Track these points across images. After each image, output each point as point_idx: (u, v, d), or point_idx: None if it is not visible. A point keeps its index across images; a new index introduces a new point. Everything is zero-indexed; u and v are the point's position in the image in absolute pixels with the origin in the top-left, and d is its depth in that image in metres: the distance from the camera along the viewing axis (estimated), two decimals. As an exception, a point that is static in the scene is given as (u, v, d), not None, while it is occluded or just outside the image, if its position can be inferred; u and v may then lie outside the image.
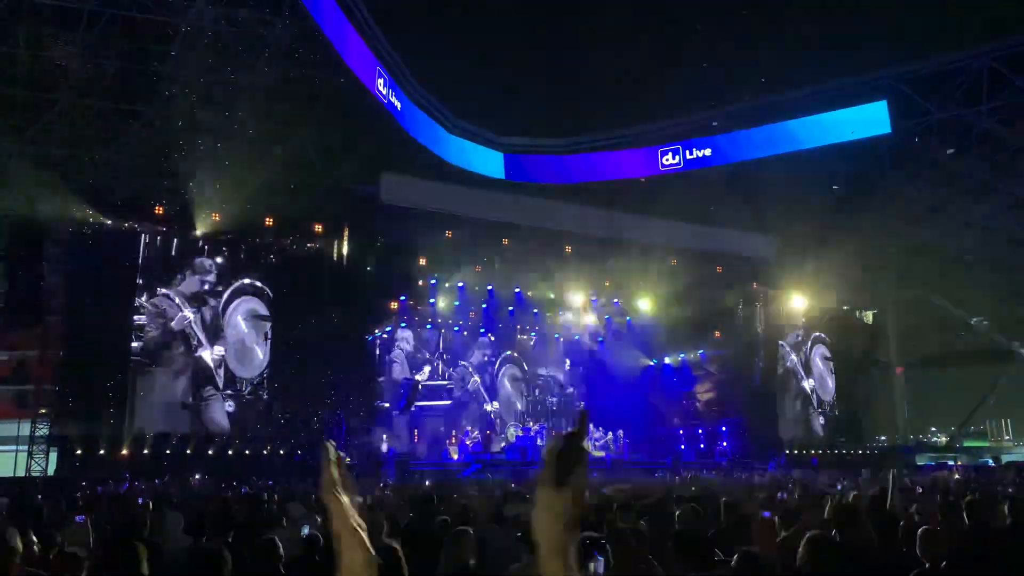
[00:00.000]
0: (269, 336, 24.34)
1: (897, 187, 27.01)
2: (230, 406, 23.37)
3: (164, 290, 22.90)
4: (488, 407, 30.84)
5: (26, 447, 20.96)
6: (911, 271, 29.73)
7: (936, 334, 39.52)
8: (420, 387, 28.50)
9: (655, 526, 6.06)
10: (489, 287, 29.43)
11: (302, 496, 10.16)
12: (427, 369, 29.27)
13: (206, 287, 23.61)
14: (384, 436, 26.71)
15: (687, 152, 26.36)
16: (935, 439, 41.49)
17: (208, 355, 23.23)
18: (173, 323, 22.82)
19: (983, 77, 21.65)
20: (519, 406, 31.82)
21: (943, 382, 38.94)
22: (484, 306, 30.25)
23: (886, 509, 6.19)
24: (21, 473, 20.55)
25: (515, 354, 32.31)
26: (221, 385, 23.34)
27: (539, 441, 28.36)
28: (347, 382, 25.18)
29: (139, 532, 5.56)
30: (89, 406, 21.26)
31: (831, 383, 34.76)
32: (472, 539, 4.40)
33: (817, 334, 34.73)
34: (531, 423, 30.12)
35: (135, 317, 22.36)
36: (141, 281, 22.79)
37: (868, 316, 35.91)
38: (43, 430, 21.12)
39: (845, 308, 34.76)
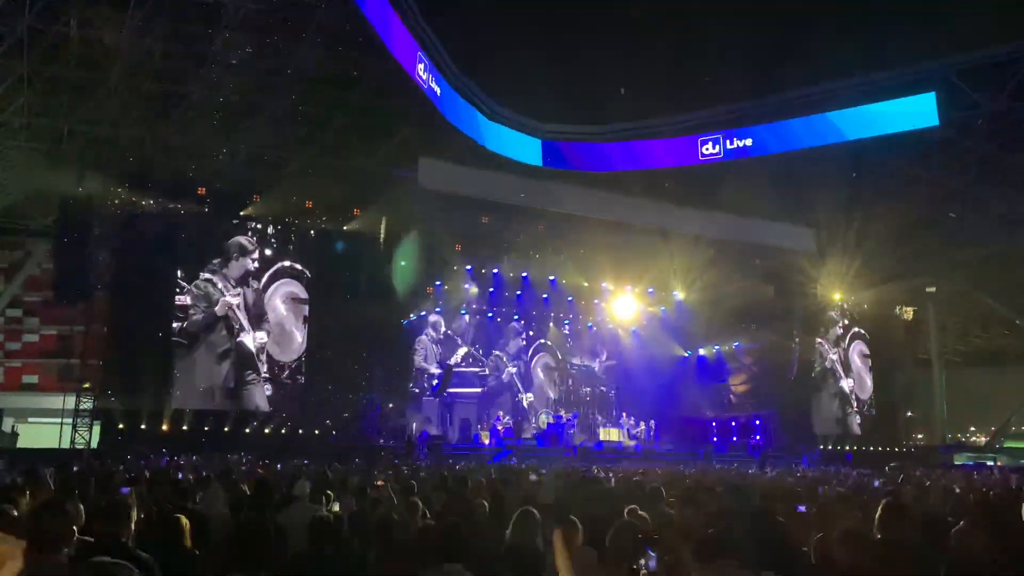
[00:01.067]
0: (307, 319, 24.67)
1: (942, 180, 26.43)
2: (268, 389, 23.77)
3: (207, 275, 23.30)
4: (521, 395, 30.95)
5: (70, 420, 21.58)
6: (954, 267, 29.09)
7: (979, 331, 38.73)
8: (453, 371, 28.71)
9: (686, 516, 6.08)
10: (524, 274, 29.45)
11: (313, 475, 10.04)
12: (461, 352, 29.45)
13: (249, 268, 23.98)
14: (417, 419, 27.00)
15: (727, 142, 25.97)
16: (974, 439, 40.74)
17: (250, 340, 23.62)
18: (216, 308, 23.23)
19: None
20: (551, 395, 31.88)
21: (984, 381, 38.16)
22: (519, 293, 30.30)
23: (927, 508, 6.13)
24: (66, 445, 21.16)
25: (548, 342, 32.34)
26: (262, 369, 23.74)
27: (571, 429, 28.45)
28: (382, 365, 25.46)
29: (184, 505, 5.71)
30: (132, 382, 21.81)
31: (869, 380, 34.25)
32: (536, 519, 4.44)
33: (856, 330, 34.22)
34: (563, 411, 30.19)
35: (178, 298, 22.82)
36: (184, 262, 23.23)
37: (909, 312, 35.26)
38: (87, 404, 21.71)
39: (885, 304, 34.15)
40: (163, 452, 19.06)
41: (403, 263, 25.73)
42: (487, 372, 30.45)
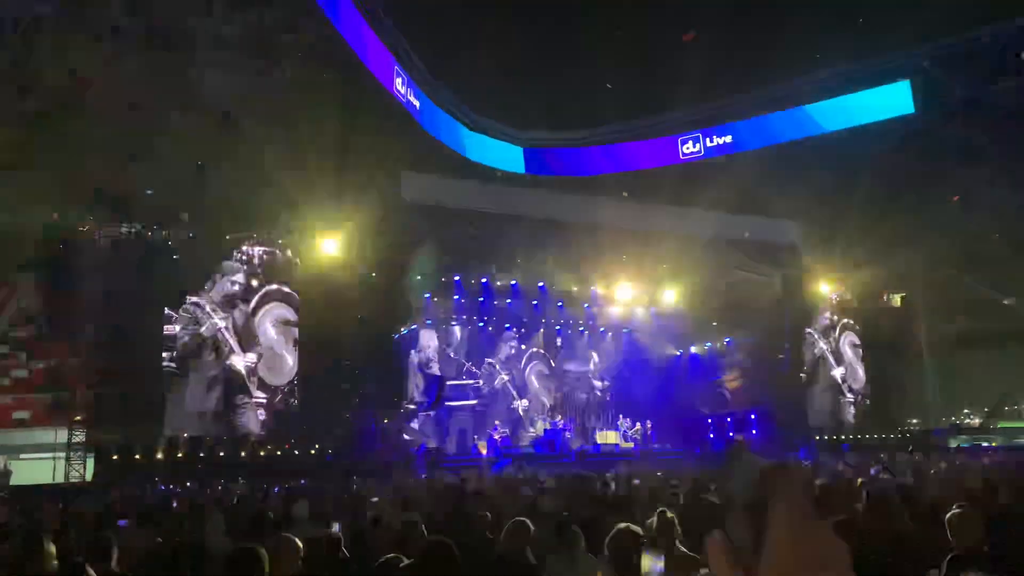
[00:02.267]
0: (298, 342, 24.58)
1: (923, 168, 26.67)
2: (262, 414, 23.65)
3: (194, 298, 23.19)
4: (516, 404, 30.92)
5: (63, 454, 21.39)
6: (940, 252, 29.32)
7: (967, 315, 39.00)
8: (447, 384, 28.66)
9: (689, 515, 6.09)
10: (513, 282, 29.47)
11: (311, 495, 10.08)
12: (449, 364, 29.42)
13: (235, 289, 23.87)
14: (413, 433, 26.93)
15: (707, 140, 26.22)
16: (967, 421, 40.99)
17: (240, 362, 23.50)
18: (203, 329, 23.10)
19: (1008, 55, 21.31)
20: (547, 401, 31.87)
21: (976, 364, 38.43)
22: (508, 301, 30.30)
23: (919, 495, 6.16)
24: (60, 479, 20.97)
25: (541, 350, 32.34)
26: (253, 392, 23.62)
27: (567, 434, 28.45)
28: (374, 381, 25.38)
29: (181, 534, 5.68)
30: (124, 412, 21.63)
31: (861, 370, 34.43)
32: (529, 530, 4.46)
33: (846, 320, 34.41)
34: (559, 417, 30.19)
35: (166, 326, 22.69)
36: (172, 289, 23.10)
37: (897, 299, 35.48)
38: (79, 437, 21.54)
39: (874, 292, 34.38)
40: (157, 481, 18.91)
41: (390, 278, 25.66)
42: (481, 383, 30.42)
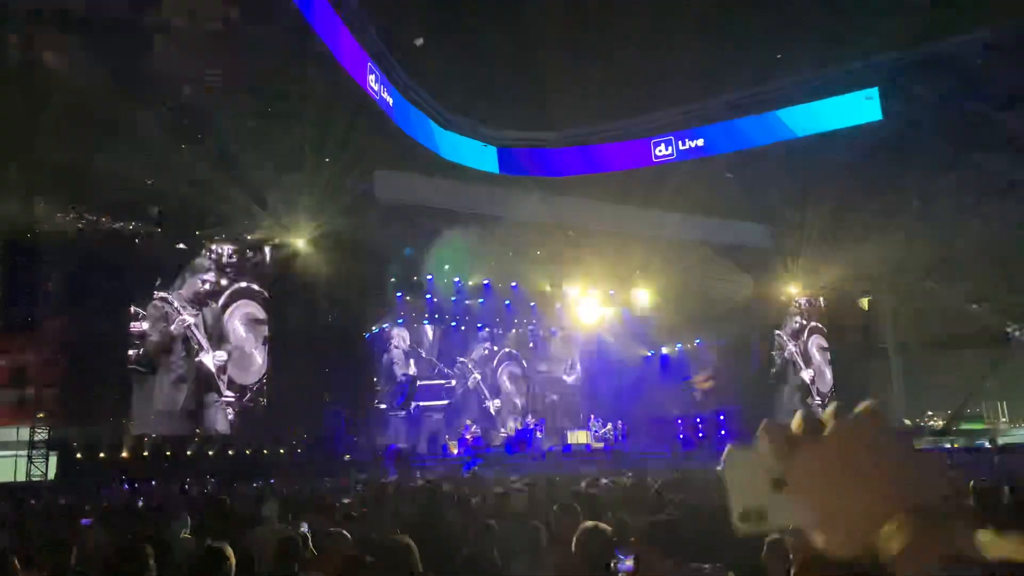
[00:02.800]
0: (267, 340, 24.34)
1: (892, 174, 27.10)
2: (230, 412, 23.40)
3: (162, 293, 22.87)
4: (488, 403, 30.92)
5: (25, 452, 20.98)
6: (908, 257, 29.81)
7: (933, 319, 39.71)
8: (417, 383, 28.56)
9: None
10: (485, 282, 29.46)
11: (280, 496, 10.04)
12: (421, 364, 29.33)
13: (205, 287, 23.59)
14: (383, 432, 26.82)
15: (680, 143, 26.41)
16: (931, 423, 41.71)
17: (210, 360, 23.23)
18: (172, 327, 22.80)
19: (976, 62, 21.73)
20: (519, 402, 31.90)
21: (940, 367, 39.12)
22: (481, 301, 30.28)
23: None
24: (22, 478, 20.57)
25: (513, 350, 32.36)
26: (223, 391, 23.36)
27: (538, 434, 28.51)
28: (345, 380, 25.23)
29: (146, 534, 5.59)
30: (88, 410, 21.28)
31: (828, 372, 34.92)
32: (496, 534, 4.47)
33: (814, 324, 34.88)
34: (530, 417, 30.23)
35: (133, 322, 22.35)
36: (139, 284, 22.77)
37: (864, 303, 36.01)
38: (42, 434, 21.13)
39: (841, 295, 34.87)
40: (124, 480, 18.63)
41: (362, 277, 25.52)
42: (453, 383, 30.36)
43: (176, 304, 23.03)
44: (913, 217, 28.33)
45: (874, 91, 23.37)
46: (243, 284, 24.24)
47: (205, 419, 23.00)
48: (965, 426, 39.64)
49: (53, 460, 21.13)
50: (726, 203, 26.82)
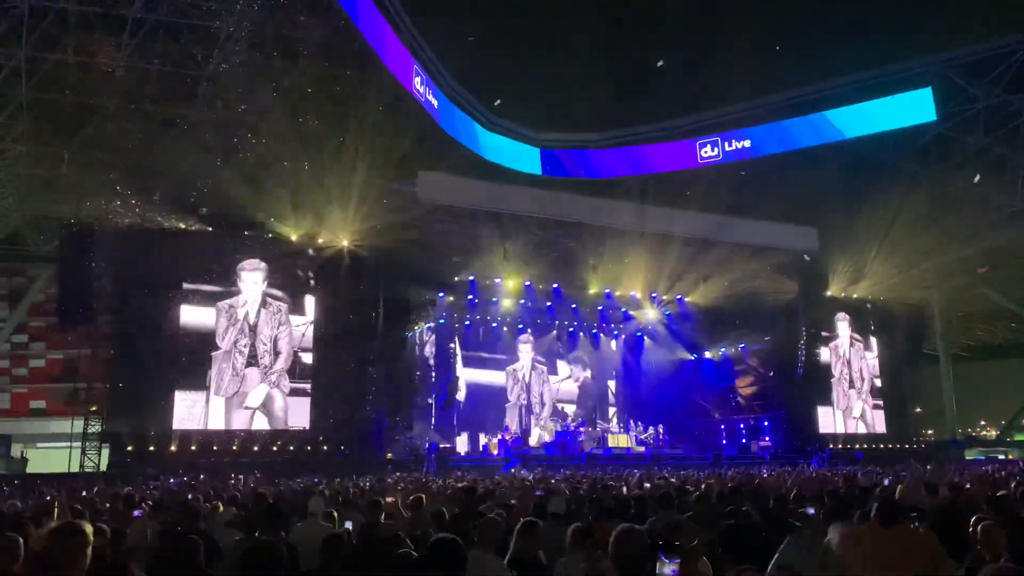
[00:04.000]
0: (314, 338, 24.65)
1: (942, 175, 26.44)
2: (276, 408, 23.74)
3: (210, 290, 23.29)
4: (529, 405, 30.90)
5: (79, 443, 21.58)
6: (958, 261, 29.02)
7: (984, 325, 38.63)
8: (459, 383, 28.69)
9: (700, 520, 6.05)
10: (527, 283, 29.44)
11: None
12: (462, 364, 29.43)
13: (252, 285, 23.97)
14: (424, 431, 26.96)
15: (726, 144, 26.11)
16: (984, 433, 40.59)
17: (256, 358, 23.62)
18: (221, 324, 23.19)
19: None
20: (559, 405, 31.79)
21: (992, 375, 38.08)
22: (523, 302, 30.27)
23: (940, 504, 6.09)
24: (75, 469, 21.17)
25: (554, 352, 32.28)
26: (269, 388, 23.76)
27: (579, 437, 28.38)
28: (388, 379, 25.42)
29: (194, 527, 5.70)
30: (139, 404, 21.77)
31: (877, 379, 34.11)
32: (541, 531, 4.46)
33: (862, 327, 34.10)
34: (571, 419, 30.13)
35: (183, 320, 22.82)
36: (189, 282, 23.22)
37: (914, 308, 35.10)
38: (95, 427, 21.72)
39: (890, 300, 34.05)
40: (176, 473, 19.01)
41: (405, 277, 25.65)
42: (494, 384, 30.42)
43: (226, 302, 23.45)
44: (966, 221, 27.59)
45: (927, 91, 22.80)
46: (289, 283, 24.58)
47: (251, 415, 23.37)
48: (1020, 437, 38.47)
49: (105, 452, 21.70)
50: (773, 205, 26.38)
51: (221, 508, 7.96)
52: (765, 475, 15.80)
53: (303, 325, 24.65)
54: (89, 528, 3.02)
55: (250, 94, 19.82)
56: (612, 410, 32.80)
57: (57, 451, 23.35)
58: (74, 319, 22.59)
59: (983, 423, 41.57)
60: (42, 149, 20.67)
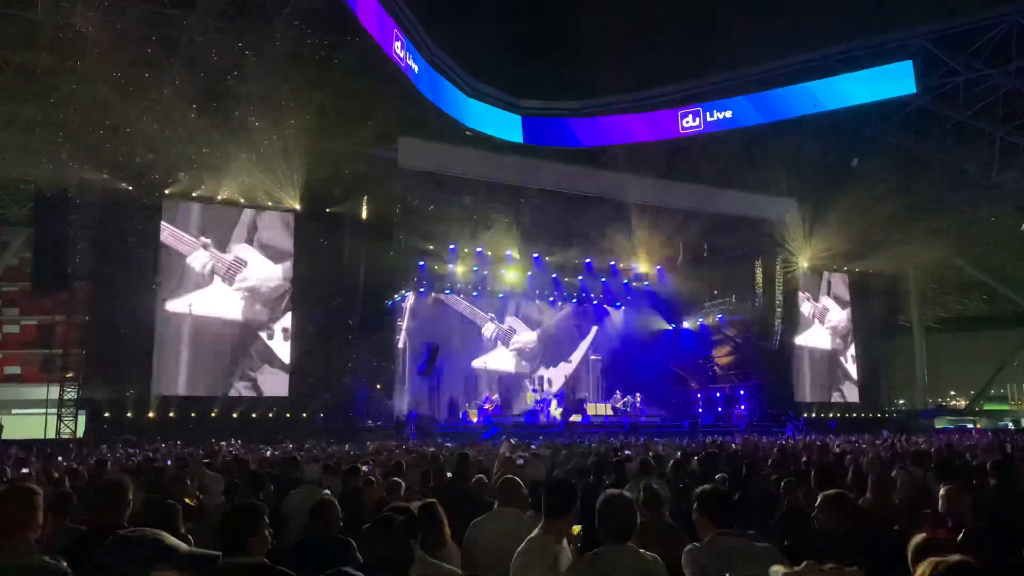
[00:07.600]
0: (293, 302, 24.58)
1: (919, 148, 26.64)
2: (256, 375, 23.72)
3: (191, 259, 23.11)
4: (509, 373, 31.04)
5: (55, 410, 21.44)
6: (933, 234, 29.35)
7: (957, 297, 39.24)
8: (439, 350, 28.68)
9: (676, 486, 6.17)
10: (507, 252, 29.42)
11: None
12: (442, 332, 29.44)
13: (233, 254, 23.83)
14: (404, 398, 27.06)
15: (707, 114, 26.01)
16: (954, 403, 41.43)
17: (237, 323, 23.56)
18: (201, 291, 23.06)
19: (1012, 36, 21.19)
20: (539, 374, 31.95)
21: (963, 346, 38.76)
22: (502, 271, 30.28)
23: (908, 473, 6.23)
24: (52, 435, 21.04)
25: (534, 319, 32.38)
26: (252, 355, 23.75)
27: (556, 405, 28.63)
28: (368, 346, 25.43)
29: (177, 494, 5.70)
30: (116, 370, 21.66)
31: (851, 347, 34.63)
32: (520, 485, 4.46)
33: (837, 299, 34.53)
34: (549, 387, 30.34)
35: (164, 288, 22.71)
36: (165, 248, 23.01)
37: (888, 280, 35.52)
38: (71, 393, 21.57)
39: (865, 271, 34.46)
40: (155, 439, 18.94)
41: (385, 244, 25.54)
42: (474, 351, 30.51)
43: (206, 270, 23.29)
44: (942, 193, 27.86)
45: (908, 64, 22.84)
46: (271, 251, 24.44)
47: (230, 382, 23.35)
48: (989, 407, 39.31)
49: (82, 419, 21.58)
50: (752, 176, 26.45)
51: (205, 473, 7.96)
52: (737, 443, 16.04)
53: (284, 292, 24.60)
54: (40, 490, 3.00)
55: (228, 57, 19.45)
56: (591, 379, 33.03)
57: (33, 418, 23.15)
58: (49, 285, 22.32)
59: (953, 393, 42.40)
60: (14, 111, 20.21)
